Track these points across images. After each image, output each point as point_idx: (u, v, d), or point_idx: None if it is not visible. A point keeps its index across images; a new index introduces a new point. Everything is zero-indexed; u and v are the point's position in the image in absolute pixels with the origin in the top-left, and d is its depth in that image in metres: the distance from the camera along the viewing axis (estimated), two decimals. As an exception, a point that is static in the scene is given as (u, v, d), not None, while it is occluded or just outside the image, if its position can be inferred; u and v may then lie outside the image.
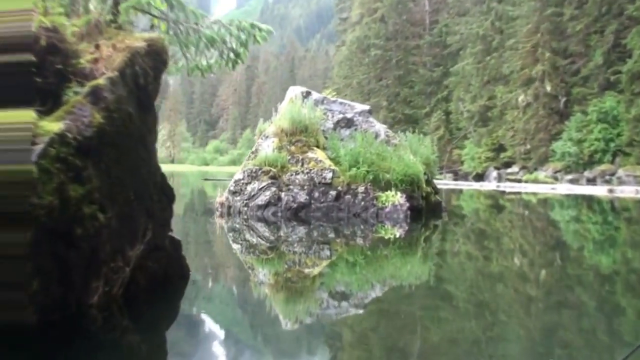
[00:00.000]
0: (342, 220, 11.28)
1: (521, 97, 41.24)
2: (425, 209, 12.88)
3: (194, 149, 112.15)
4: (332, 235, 9.57)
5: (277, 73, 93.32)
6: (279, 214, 11.63)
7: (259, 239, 9.02)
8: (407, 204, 11.65)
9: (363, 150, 12.40)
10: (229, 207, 12.31)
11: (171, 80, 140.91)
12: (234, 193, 12.40)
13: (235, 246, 8.36)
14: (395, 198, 11.66)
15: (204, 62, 5.93)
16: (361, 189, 11.96)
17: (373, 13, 50.95)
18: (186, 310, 4.67)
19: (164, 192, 4.81)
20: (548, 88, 39.70)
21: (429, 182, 13.86)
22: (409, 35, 52.11)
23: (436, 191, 14.40)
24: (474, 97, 45.16)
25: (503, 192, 28.90)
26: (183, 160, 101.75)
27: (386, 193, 11.84)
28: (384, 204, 11.70)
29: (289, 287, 5.60)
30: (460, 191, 30.07)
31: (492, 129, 44.44)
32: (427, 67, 50.83)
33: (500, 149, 44.22)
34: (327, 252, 7.85)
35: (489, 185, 37.71)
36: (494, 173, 42.98)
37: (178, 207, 14.98)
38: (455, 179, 45.05)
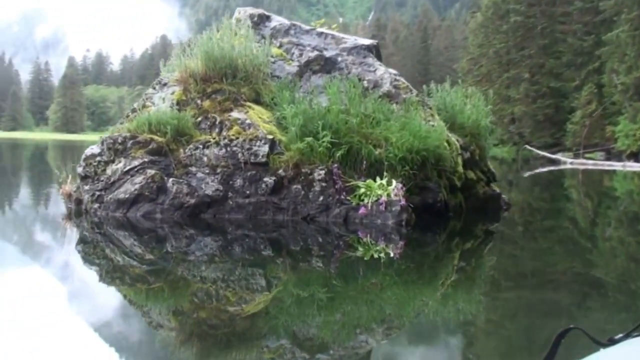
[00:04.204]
0: (283, 227, 7.13)
1: (684, 69, 36.44)
2: (466, 208, 8.71)
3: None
4: (267, 252, 6.18)
5: (407, 44, 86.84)
6: (159, 216, 7.19)
7: (127, 258, 5.61)
8: (402, 201, 7.05)
9: (335, 108, 7.59)
10: (80, 201, 7.82)
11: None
12: (84, 178, 7.67)
13: (91, 270, 5.25)
14: (384, 190, 7.01)
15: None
16: (319, 174, 7.28)
17: (513, -23, 47.56)
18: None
19: None
20: None
21: (474, 164, 9.14)
22: (555, 0, 47.91)
23: (490, 178, 9.70)
24: (629, 68, 40.47)
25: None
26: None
27: (368, 182, 7.20)
28: (362, 200, 7.15)
29: (208, 335, 3.54)
30: (603, 172, 27.49)
31: (649, 103, 39.86)
32: (577, 35, 46.06)
33: (659, 125, 39.58)
34: (262, 282, 4.90)
35: (634, 165, 34.14)
36: (651, 152, 38.76)
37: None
38: (608, 158, 41.52)
